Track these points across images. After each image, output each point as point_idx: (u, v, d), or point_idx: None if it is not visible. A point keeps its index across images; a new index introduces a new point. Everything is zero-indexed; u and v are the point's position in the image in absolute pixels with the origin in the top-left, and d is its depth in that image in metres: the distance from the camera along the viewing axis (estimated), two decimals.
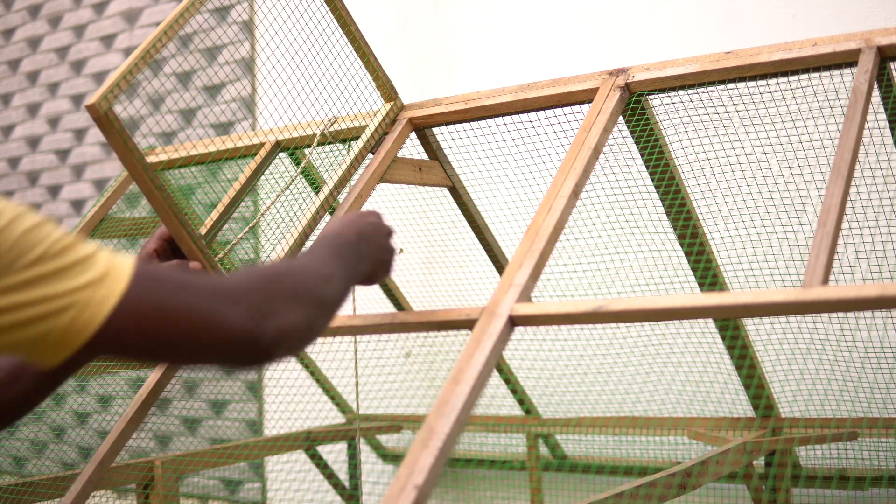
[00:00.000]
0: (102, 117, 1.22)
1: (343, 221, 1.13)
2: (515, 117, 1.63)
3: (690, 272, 1.68)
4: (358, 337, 1.33)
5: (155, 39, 1.29)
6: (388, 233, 1.17)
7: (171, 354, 0.84)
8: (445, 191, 1.89)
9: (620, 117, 1.46)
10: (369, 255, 1.11)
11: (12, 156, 4.04)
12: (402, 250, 2.62)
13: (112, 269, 0.79)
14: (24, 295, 0.75)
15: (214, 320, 0.82)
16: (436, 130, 1.77)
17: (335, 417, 2.51)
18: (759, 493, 1.64)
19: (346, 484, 2.39)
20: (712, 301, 1.04)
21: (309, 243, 1.52)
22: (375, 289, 2.43)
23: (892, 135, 1.42)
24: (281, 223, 1.61)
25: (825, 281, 1.02)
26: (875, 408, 1.70)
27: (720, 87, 1.43)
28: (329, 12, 1.59)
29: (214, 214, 1.54)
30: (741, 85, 1.42)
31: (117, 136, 1.24)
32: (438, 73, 2.75)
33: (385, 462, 2.59)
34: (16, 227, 0.75)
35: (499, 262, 2.03)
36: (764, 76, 1.39)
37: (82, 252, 0.78)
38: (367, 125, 1.65)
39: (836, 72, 1.35)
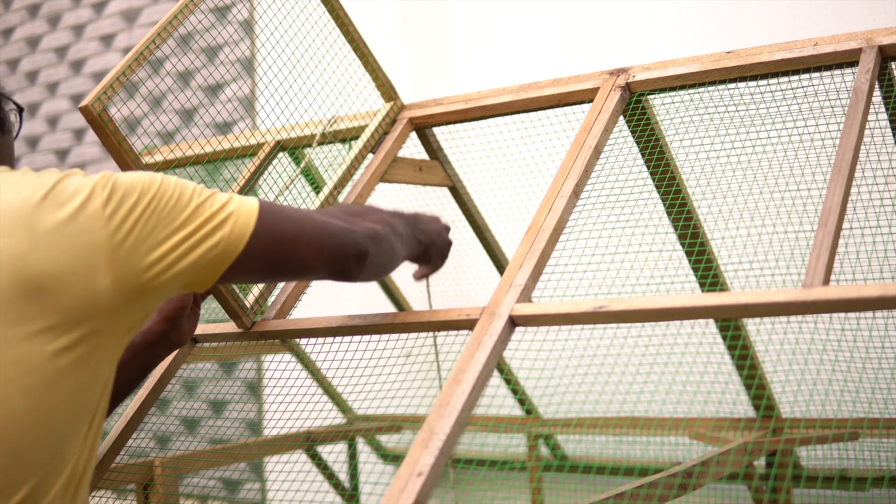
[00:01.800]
0: (96, 119, 1.21)
1: (411, 215, 1.31)
2: (516, 117, 1.63)
3: (691, 272, 1.67)
4: (358, 337, 1.32)
5: (149, 41, 1.28)
6: (446, 227, 1.33)
7: (297, 255, 1.03)
8: (445, 191, 1.89)
9: (621, 117, 1.46)
10: (427, 230, 1.27)
11: None
12: None
13: (238, 196, 0.99)
14: (198, 219, 0.94)
15: (324, 224, 1.06)
16: (436, 130, 1.77)
17: (335, 417, 2.51)
18: (760, 494, 1.64)
19: (347, 484, 2.39)
20: (713, 301, 1.04)
21: None
22: (375, 288, 2.43)
23: (894, 135, 1.42)
24: None
25: (826, 281, 1.02)
26: (876, 408, 1.70)
27: (721, 86, 1.42)
28: (327, 12, 1.58)
29: None
30: (742, 85, 1.42)
31: (111, 137, 1.23)
32: (438, 73, 2.75)
33: (385, 462, 2.59)
34: (168, 177, 0.95)
35: (499, 262, 2.03)
36: (765, 76, 1.38)
37: (211, 188, 0.99)
38: (367, 125, 1.65)
39: (837, 71, 1.35)
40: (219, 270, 0.96)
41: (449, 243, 1.32)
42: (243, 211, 0.98)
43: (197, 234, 0.94)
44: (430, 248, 1.27)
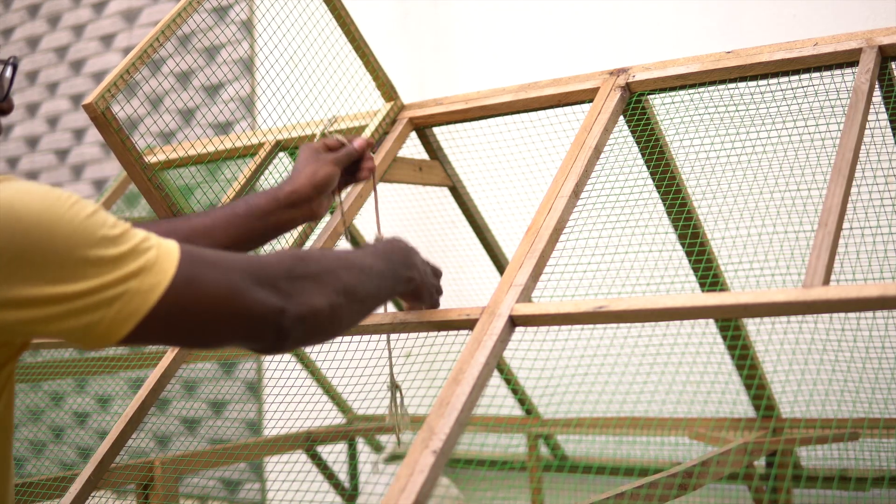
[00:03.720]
0: (100, 116, 1.22)
1: (398, 239, 1.17)
2: (516, 117, 1.63)
3: (691, 272, 1.67)
4: (358, 337, 1.32)
5: (152, 39, 1.29)
6: (438, 273, 1.25)
7: (204, 334, 0.86)
8: (445, 190, 1.89)
9: (621, 117, 1.46)
10: (418, 267, 1.15)
11: (11, 156, 4.04)
12: None
13: (161, 256, 0.80)
14: (83, 283, 0.75)
15: (246, 303, 0.85)
16: (436, 130, 1.77)
17: (335, 417, 2.51)
18: (760, 494, 1.64)
19: (347, 484, 2.39)
20: (713, 301, 1.04)
21: (309, 243, 1.52)
22: None
23: (894, 135, 1.42)
24: None
25: (826, 281, 1.02)
26: (876, 408, 1.70)
27: (721, 86, 1.42)
28: (329, 11, 1.59)
29: None
30: (742, 85, 1.42)
31: (115, 135, 1.23)
32: (438, 73, 2.75)
33: (385, 462, 2.59)
34: (78, 211, 0.76)
35: (499, 262, 2.03)
36: (765, 76, 1.38)
37: (135, 238, 0.79)
38: (367, 125, 1.65)
39: (837, 71, 1.35)
40: (93, 344, 0.79)
41: (440, 290, 1.24)
42: (143, 288, 0.78)
43: (74, 302, 0.75)
44: (422, 289, 1.18)
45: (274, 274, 0.88)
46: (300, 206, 1.22)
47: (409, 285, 1.13)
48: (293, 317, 0.88)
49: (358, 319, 1.00)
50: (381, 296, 1.06)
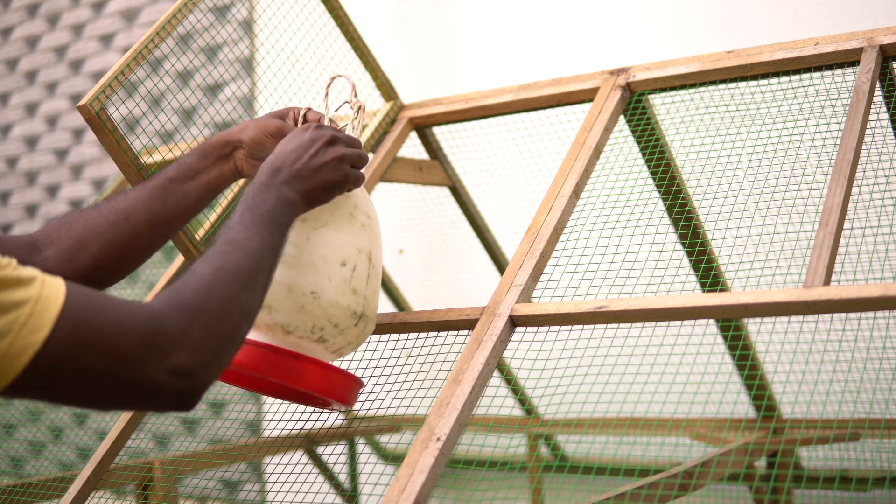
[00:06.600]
0: (94, 118, 1.21)
1: (263, 169, 1.01)
2: (516, 117, 1.63)
3: (692, 272, 1.67)
4: None
5: (147, 39, 1.28)
6: (326, 144, 1.06)
7: (97, 390, 0.78)
8: (446, 190, 1.89)
9: (621, 117, 1.46)
10: (301, 189, 1.00)
11: (10, 155, 4.03)
12: (402, 251, 2.61)
13: (47, 288, 0.74)
14: None
15: (141, 381, 0.78)
16: (436, 130, 1.77)
17: (335, 417, 2.51)
18: (761, 494, 1.64)
19: (347, 485, 2.39)
20: (714, 301, 1.04)
21: None
22: None
23: (895, 134, 1.42)
24: None
25: (827, 281, 1.02)
26: (877, 408, 1.70)
27: (721, 86, 1.42)
28: (327, 11, 1.58)
29: (213, 216, 1.54)
30: (742, 84, 1.41)
31: (110, 136, 1.23)
32: (438, 73, 2.74)
33: (385, 462, 2.58)
34: None
35: (499, 262, 2.03)
36: (765, 75, 1.38)
37: (14, 274, 0.73)
38: (367, 125, 1.64)
39: (838, 71, 1.35)
40: None
41: (337, 166, 1.05)
42: (14, 348, 0.72)
43: None
44: (318, 194, 1.03)
45: (175, 332, 0.79)
46: (228, 158, 1.12)
47: (303, 203, 1.00)
48: (205, 375, 0.82)
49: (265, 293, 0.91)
50: (278, 246, 0.93)
